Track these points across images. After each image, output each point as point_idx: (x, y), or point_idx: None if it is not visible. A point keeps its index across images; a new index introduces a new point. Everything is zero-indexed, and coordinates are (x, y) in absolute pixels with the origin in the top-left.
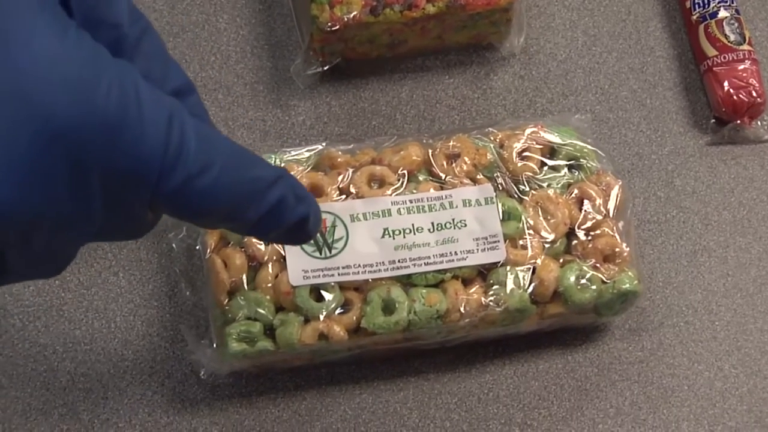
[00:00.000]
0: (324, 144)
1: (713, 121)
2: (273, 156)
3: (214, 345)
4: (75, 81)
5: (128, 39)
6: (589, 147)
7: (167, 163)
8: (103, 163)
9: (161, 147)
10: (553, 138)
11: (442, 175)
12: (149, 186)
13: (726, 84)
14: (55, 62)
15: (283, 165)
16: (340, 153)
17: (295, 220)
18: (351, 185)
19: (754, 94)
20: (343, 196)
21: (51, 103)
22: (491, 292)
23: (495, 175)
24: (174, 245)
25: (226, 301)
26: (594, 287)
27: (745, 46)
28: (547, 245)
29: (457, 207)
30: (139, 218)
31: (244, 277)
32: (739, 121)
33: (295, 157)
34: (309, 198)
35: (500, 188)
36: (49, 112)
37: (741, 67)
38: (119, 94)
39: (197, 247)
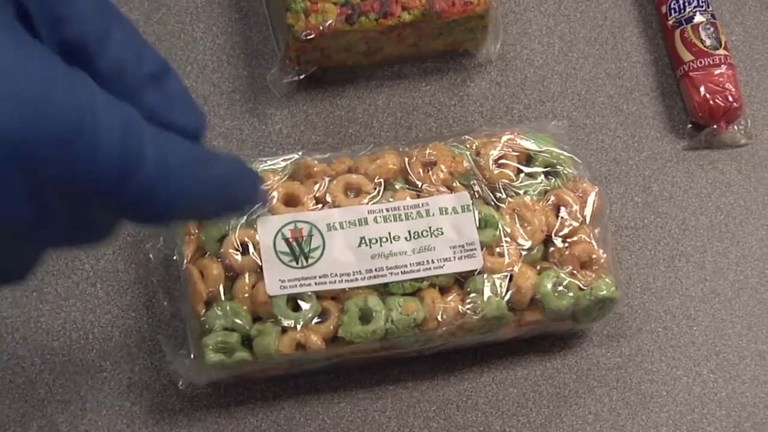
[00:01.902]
0: (300, 153)
1: (690, 126)
2: (249, 165)
3: (192, 356)
4: (26, 95)
5: (95, 31)
6: (565, 153)
7: (125, 171)
8: (58, 175)
9: (118, 156)
10: (530, 145)
11: (419, 183)
12: (108, 195)
13: (702, 89)
14: (5, 76)
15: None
16: (316, 162)
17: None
18: (327, 194)
19: (731, 98)
20: (320, 205)
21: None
22: (468, 300)
23: (471, 182)
24: (151, 256)
25: (204, 311)
26: (571, 294)
27: (721, 51)
28: (524, 252)
29: (433, 215)
30: (100, 226)
31: (221, 287)
32: (715, 126)
33: (272, 166)
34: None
35: (477, 196)
36: None
37: (717, 71)
38: (73, 106)
39: (174, 258)
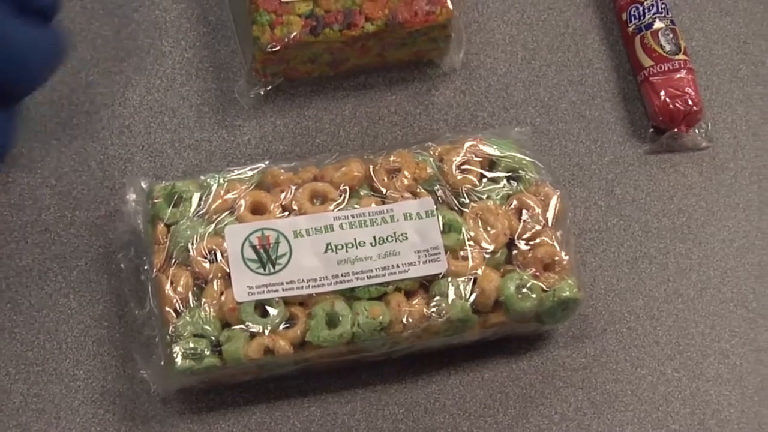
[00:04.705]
0: (267, 162)
1: (651, 130)
2: (216, 176)
3: (163, 362)
4: None
5: None
6: (527, 159)
7: None
8: None
9: None
10: (492, 151)
11: (383, 190)
12: None
13: (663, 93)
14: None
15: (225, 184)
16: (282, 171)
17: None
18: (293, 202)
19: (690, 102)
20: (286, 213)
21: None
22: (433, 303)
23: (435, 188)
24: (122, 265)
25: (173, 318)
26: (534, 296)
27: (681, 56)
28: (487, 256)
29: (398, 221)
30: None
31: (190, 294)
32: (676, 130)
33: (239, 176)
34: None
35: (441, 201)
36: None
37: (677, 76)
38: None
39: (145, 267)
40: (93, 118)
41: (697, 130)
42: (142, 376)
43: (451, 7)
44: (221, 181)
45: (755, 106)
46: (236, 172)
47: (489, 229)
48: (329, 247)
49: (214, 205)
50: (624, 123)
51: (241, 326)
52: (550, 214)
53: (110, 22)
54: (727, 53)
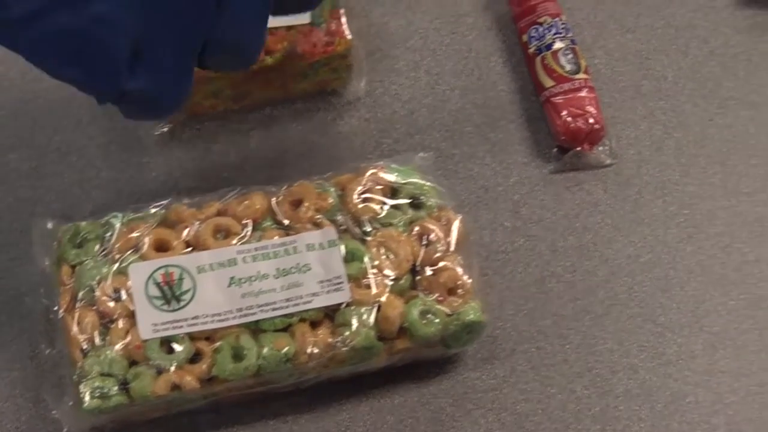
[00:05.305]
0: (169, 199)
1: (555, 149)
2: (119, 215)
3: (72, 403)
4: None
5: None
6: (428, 184)
7: None
8: None
9: None
10: (393, 178)
11: (286, 222)
12: None
13: (564, 113)
14: None
15: (129, 223)
16: (186, 207)
17: None
18: (197, 238)
19: (592, 120)
20: (190, 249)
21: None
22: (338, 333)
23: (337, 218)
24: (32, 307)
25: (81, 358)
26: (438, 320)
27: (581, 75)
28: (391, 283)
29: (301, 252)
30: None
31: (96, 334)
32: (579, 148)
33: (142, 214)
34: None
35: (343, 230)
36: None
37: (578, 95)
38: None
39: (55, 308)
40: (1, 161)
41: (600, 148)
42: (54, 417)
43: (349, 37)
44: (125, 220)
45: (658, 120)
46: (142, 211)
47: (392, 256)
48: (233, 281)
49: (117, 245)
50: (528, 143)
51: (148, 363)
52: (452, 239)
53: (16, 65)
54: (629, 70)
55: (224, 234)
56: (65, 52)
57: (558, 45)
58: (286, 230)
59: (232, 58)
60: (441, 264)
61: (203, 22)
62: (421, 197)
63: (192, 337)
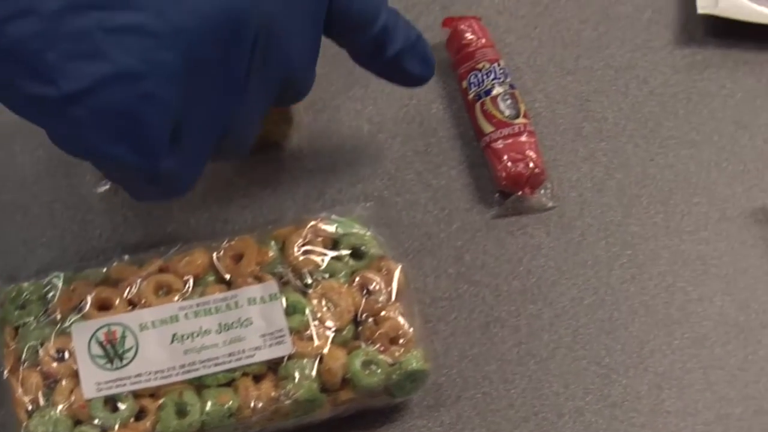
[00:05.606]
0: (112, 258)
1: (497, 194)
2: (61, 275)
3: None
4: None
5: None
6: (369, 234)
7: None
8: None
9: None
10: (333, 229)
11: (228, 277)
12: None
13: (505, 158)
14: None
15: (71, 283)
16: (127, 265)
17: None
18: (139, 295)
19: (532, 165)
20: (131, 307)
21: None
22: (281, 386)
23: (279, 271)
24: None
25: (26, 419)
26: (380, 370)
27: (521, 120)
28: (333, 334)
29: (242, 306)
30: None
31: (41, 395)
32: (521, 193)
33: (84, 274)
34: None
35: (285, 283)
36: None
37: (518, 140)
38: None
39: (2, 369)
40: None
41: (542, 191)
42: None
43: None
44: (67, 279)
45: (599, 162)
46: (84, 269)
47: (333, 307)
48: (175, 338)
49: (60, 305)
50: (470, 189)
51: (92, 423)
52: (393, 288)
53: None
54: (570, 112)
55: (166, 291)
56: (113, 129)
57: (497, 90)
58: (228, 285)
59: (236, 147)
60: (382, 314)
61: (230, 108)
62: (362, 248)
63: (136, 394)
